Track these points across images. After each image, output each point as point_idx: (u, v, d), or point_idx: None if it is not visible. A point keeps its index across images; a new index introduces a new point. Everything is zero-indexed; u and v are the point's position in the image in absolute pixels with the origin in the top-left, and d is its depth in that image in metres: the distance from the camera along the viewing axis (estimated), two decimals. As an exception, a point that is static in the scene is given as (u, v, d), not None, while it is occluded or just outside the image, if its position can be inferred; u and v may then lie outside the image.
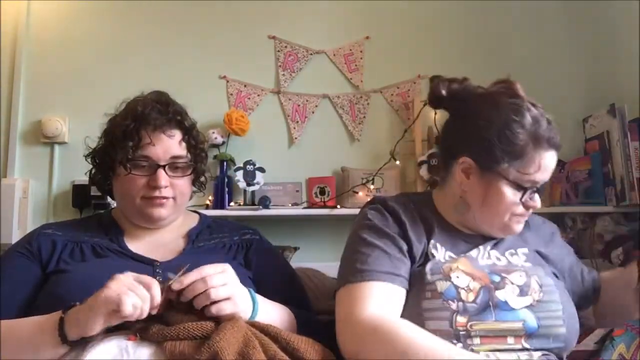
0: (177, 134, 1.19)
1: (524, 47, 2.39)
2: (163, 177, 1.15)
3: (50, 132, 2.20)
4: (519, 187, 1.05)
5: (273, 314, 1.03)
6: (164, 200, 1.17)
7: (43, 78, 2.27)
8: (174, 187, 1.18)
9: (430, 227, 1.11)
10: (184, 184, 1.20)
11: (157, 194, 1.15)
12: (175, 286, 0.89)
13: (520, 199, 1.06)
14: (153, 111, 1.16)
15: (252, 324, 0.93)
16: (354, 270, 1.03)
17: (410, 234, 1.08)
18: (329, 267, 1.75)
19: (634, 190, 1.99)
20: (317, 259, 2.07)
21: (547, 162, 1.05)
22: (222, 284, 0.91)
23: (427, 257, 1.07)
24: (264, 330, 0.91)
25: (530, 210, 1.09)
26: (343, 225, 2.24)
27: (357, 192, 2.19)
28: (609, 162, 2.10)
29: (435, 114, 2.25)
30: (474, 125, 1.08)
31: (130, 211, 1.19)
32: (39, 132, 2.22)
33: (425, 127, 2.28)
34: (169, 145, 1.17)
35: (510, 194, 1.05)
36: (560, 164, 2.25)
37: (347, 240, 1.13)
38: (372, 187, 2.20)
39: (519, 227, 1.10)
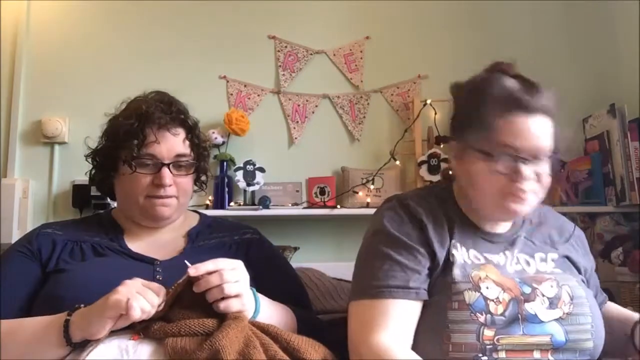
0: (181, 133, 1.19)
1: (524, 47, 2.39)
2: (167, 175, 1.15)
3: (50, 132, 2.20)
4: (489, 155, 0.99)
5: (274, 313, 1.03)
6: (168, 199, 1.17)
7: (43, 78, 2.28)
8: (177, 186, 1.18)
9: (452, 224, 1.06)
10: (187, 182, 1.20)
11: (161, 192, 1.15)
12: (192, 272, 0.89)
13: (499, 170, 0.98)
14: (157, 110, 1.16)
15: (253, 324, 0.93)
16: (365, 285, 0.99)
17: (431, 237, 1.02)
18: (329, 267, 1.76)
19: (634, 190, 1.99)
20: (317, 259, 2.07)
21: (521, 128, 0.98)
22: (235, 281, 0.91)
23: (449, 259, 1.01)
24: (265, 330, 0.92)
25: (525, 186, 0.98)
26: (343, 225, 2.26)
27: (357, 192, 2.19)
28: (609, 162, 2.10)
29: (435, 114, 2.26)
30: (455, 108, 1.09)
31: (134, 211, 1.19)
32: (39, 132, 2.22)
33: (425, 127, 2.28)
34: (173, 143, 1.17)
35: (484, 165, 0.99)
36: (561, 164, 2.25)
37: (362, 243, 1.08)
38: (372, 187, 2.20)
39: (518, 207, 1.00)
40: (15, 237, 2.05)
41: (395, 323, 0.95)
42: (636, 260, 1.91)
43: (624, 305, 1.78)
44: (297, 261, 1.94)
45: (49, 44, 2.30)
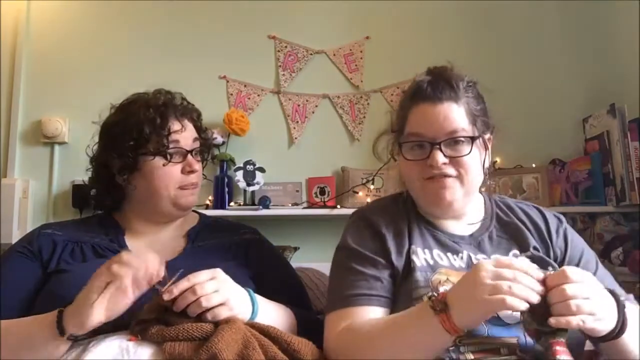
0: (193, 119, 1.23)
1: (524, 48, 2.39)
2: (194, 162, 1.18)
3: (50, 132, 2.20)
4: (402, 144, 1.08)
5: (273, 314, 1.03)
6: (195, 188, 1.20)
7: (43, 78, 2.28)
8: (198, 173, 1.21)
9: (412, 231, 1.09)
10: (200, 168, 1.23)
11: (192, 180, 1.18)
12: (166, 297, 0.88)
13: (407, 157, 1.08)
14: (169, 100, 1.19)
15: (252, 325, 0.92)
16: (335, 297, 1.04)
17: (389, 248, 1.05)
18: (329, 267, 1.75)
19: (634, 190, 1.99)
20: (317, 259, 2.06)
21: (424, 114, 1.05)
22: (213, 291, 0.90)
23: (409, 265, 1.03)
24: (264, 331, 0.91)
25: (443, 169, 1.03)
26: (343, 225, 2.24)
27: (357, 192, 2.19)
28: (609, 162, 2.10)
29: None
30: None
31: (163, 203, 1.18)
32: (39, 132, 2.23)
33: (425, 127, 2.28)
34: (192, 130, 1.21)
35: (402, 157, 1.09)
36: (560, 164, 2.25)
37: (332, 258, 1.13)
38: (372, 187, 2.20)
39: (441, 191, 1.04)
40: (16, 237, 2.05)
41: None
42: (636, 260, 1.91)
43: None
44: (297, 261, 1.94)
45: (48, 44, 2.30)
